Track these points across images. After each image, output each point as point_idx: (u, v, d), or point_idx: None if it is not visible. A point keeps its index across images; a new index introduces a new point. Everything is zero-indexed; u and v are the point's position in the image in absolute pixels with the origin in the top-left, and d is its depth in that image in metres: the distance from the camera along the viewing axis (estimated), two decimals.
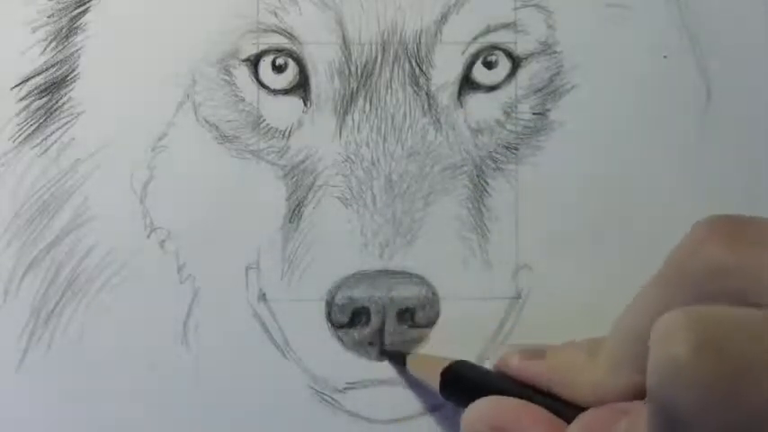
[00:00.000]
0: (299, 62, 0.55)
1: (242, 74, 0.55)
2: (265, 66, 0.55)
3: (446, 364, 0.50)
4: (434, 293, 0.53)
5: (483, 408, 0.46)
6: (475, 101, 0.55)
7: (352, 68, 0.54)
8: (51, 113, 0.54)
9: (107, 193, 0.54)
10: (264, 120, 0.55)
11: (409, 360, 0.53)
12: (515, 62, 0.55)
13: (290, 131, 0.55)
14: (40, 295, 0.54)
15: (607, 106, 0.55)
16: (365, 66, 0.54)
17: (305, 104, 0.55)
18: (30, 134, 0.54)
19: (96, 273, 0.54)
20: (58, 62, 0.55)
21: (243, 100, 0.55)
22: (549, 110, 0.55)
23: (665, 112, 0.55)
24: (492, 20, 0.55)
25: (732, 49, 0.55)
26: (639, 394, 0.41)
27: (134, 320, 0.54)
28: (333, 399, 0.54)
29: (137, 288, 0.54)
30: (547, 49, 0.55)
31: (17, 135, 0.54)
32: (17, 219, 0.54)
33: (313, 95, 0.55)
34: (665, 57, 0.55)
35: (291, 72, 0.55)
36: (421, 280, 0.53)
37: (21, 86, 0.54)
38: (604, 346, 0.44)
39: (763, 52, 0.55)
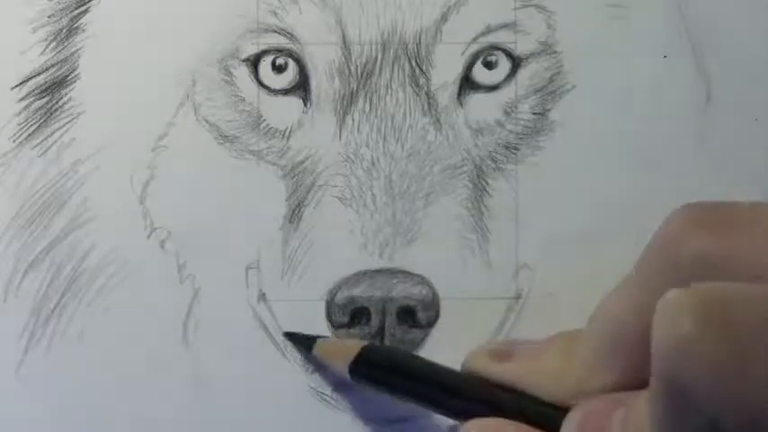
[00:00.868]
0: (299, 62, 0.55)
1: (242, 74, 0.55)
2: (265, 66, 0.55)
3: (358, 348, 0.51)
4: (434, 293, 0.53)
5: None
6: (475, 101, 0.55)
7: (352, 68, 0.54)
8: (51, 113, 0.54)
9: (107, 193, 0.54)
10: (264, 120, 0.55)
11: (317, 345, 0.53)
12: (515, 62, 0.55)
13: (290, 131, 0.55)
14: (40, 295, 0.54)
15: (607, 106, 0.55)
16: (365, 66, 0.54)
17: (305, 104, 0.55)
18: (30, 134, 0.54)
19: (96, 273, 0.54)
20: (58, 62, 0.55)
21: (243, 100, 0.55)
22: (549, 110, 0.55)
23: (665, 112, 0.55)
24: (492, 20, 0.55)
25: (732, 49, 0.55)
26: (626, 390, 0.41)
27: (134, 320, 0.54)
28: (333, 399, 0.54)
29: (137, 288, 0.54)
30: (547, 49, 0.55)
31: (17, 135, 0.54)
32: (17, 219, 0.54)
33: (313, 95, 0.55)
34: (665, 57, 0.55)
35: (291, 72, 0.55)
36: (421, 280, 0.53)
37: (21, 86, 0.54)
38: (582, 343, 0.43)
39: (763, 52, 0.55)
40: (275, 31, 0.55)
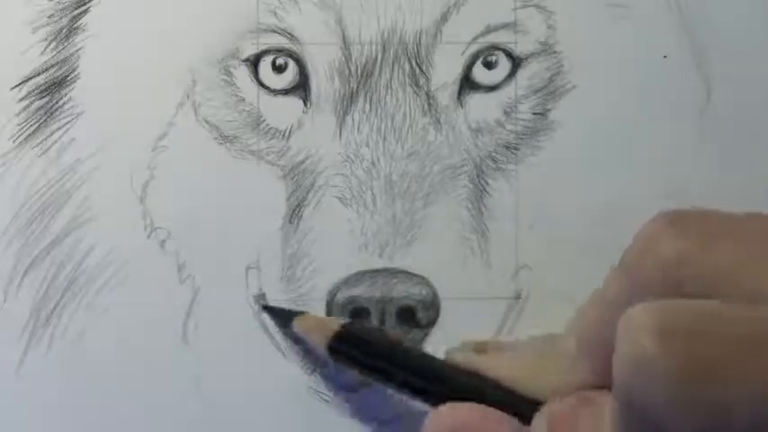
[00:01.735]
0: (299, 62, 0.55)
1: (242, 74, 0.55)
2: (265, 66, 0.55)
3: (337, 325, 0.51)
4: (434, 293, 0.53)
5: (445, 413, 0.46)
6: (475, 101, 0.55)
7: (352, 68, 0.54)
8: (51, 113, 0.55)
9: (107, 193, 0.54)
10: (264, 120, 0.55)
11: (297, 319, 0.53)
12: (515, 62, 0.55)
13: (290, 132, 0.55)
14: (40, 295, 0.54)
15: (607, 106, 0.55)
16: (365, 66, 0.54)
17: (305, 104, 0.55)
18: (30, 134, 0.54)
19: (96, 273, 0.54)
20: (58, 62, 0.55)
21: (243, 100, 0.55)
22: (549, 110, 0.55)
23: (665, 112, 0.55)
24: (492, 20, 0.55)
25: (732, 49, 0.55)
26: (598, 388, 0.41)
27: (134, 320, 0.54)
28: (333, 399, 0.54)
29: (137, 288, 0.54)
30: (547, 49, 0.55)
31: (17, 135, 0.55)
32: (17, 219, 0.54)
33: (313, 95, 0.55)
34: (665, 57, 0.55)
35: (291, 72, 0.55)
36: (421, 280, 0.53)
37: (21, 86, 0.54)
38: (560, 342, 0.44)
39: (764, 52, 0.55)
40: (275, 31, 0.55)
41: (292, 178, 0.55)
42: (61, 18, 0.55)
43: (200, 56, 0.55)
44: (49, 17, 0.55)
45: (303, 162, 0.55)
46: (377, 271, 0.53)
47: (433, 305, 0.53)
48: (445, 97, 0.55)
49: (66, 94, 0.55)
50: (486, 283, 0.54)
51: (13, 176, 0.54)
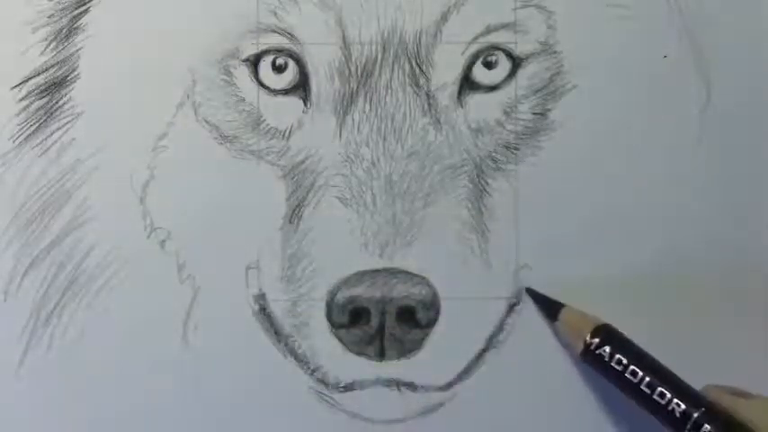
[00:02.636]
0: (299, 62, 0.55)
1: (242, 74, 0.55)
2: (265, 66, 0.55)
3: (593, 325, 0.51)
4: (434, 293, 0.53)
5: None
6: (475, 101, 0.55)
7: (352, 68, 0.54)
8: (51, 114, 0.55)
9: (107, 193, 0.54)
10: (264, 120, 0.55)
11: (563, 312, 0.53)
12: (515, 62, 0.55)
13: (290, 132, 0.55)
14: (40, 295, 0.54)
15: (607, 106, 0.55)
16: (365, 66, 0.54)
17: (305, 104, 0.55)
18: (30, 134, 0.54)
19: (96, 273, 0.54)
20: (58, 62, 0.55)
21: (243, 100, 0.55)
22: (549, 110, 0.55)
23: (665, 112, 0.55)
24: (492, 20, 0.55)
25: (732, 49, 0.55)
26: None
27: (134, 320, 0.54)
28: (333, 399, 0.54)
29: (137, 288, 0.54)
30: (547, 49, 0.55)
31: (17, 135, 0.55)
32: (17, 219, 0.54)
33: (313, 96, 0.55)
34: (665, 57, 0.55)
35: (291, 72, 0.55)
36: (421, 280, 0.53)
37: (21, 86, 0.54)
38: None
39: (763, 52, 0.55)
40: (275, 32, 0.55)
41: (292, 178, 0.55)
42: (61, 18, 0.55)
43: (200, 56, 0.55)
44: (49, 17, 0.55)
45: (303, 162, 0.55)
46: (377, 271, 0.53)
47: (433, 305, 0.53)
48: (445, 97, 0.55)
49: (66, 94, 0.55)
50: (486, 283, 0.54)
51: (13, 176, 0.54)
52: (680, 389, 0.49)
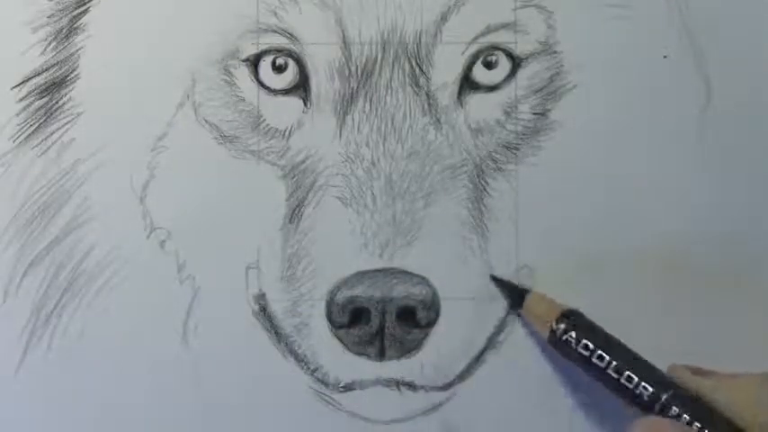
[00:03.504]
0: (299, 62, 0.55)
1: (242, 74, 0.55)
2: (265, 66, 0.55)
3: (559, 311, 0.52)
4: (434, 293, 0.53)
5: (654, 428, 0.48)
6: (475, 101, 0.55)
7: (352, 68, 0.54)
8: (51, 113, 0.55)
9: (107, 193, 0.54)
10: (264, 120, 0.55)
11: (528, 298, 0.54)
12: (515, 62, 0.55)
13: (290, 131, 0.55)
14: (40, 295, 0.54)
15: (607, 106, 0.55)
16: (365, 66, 0.54)
17: (305, 104, 0.55)
18: (30, 134, 0.54)
19: (96, 273, 0.54)
20: (58, 62, 0.55)
21: (243, 100, 0.55)
22: (549, 110, 0.55)
23: (665, 112, 0.55)
24: (492, 20, 0.55)
25: (732, 49, 0.55)
26: None
27: (134, 320, 0.54)
28: (333, 399, 0.54)
29: (137, 288, 0.54)
30: (547, 49, 0.55)
31: (17, 135, 0.55)
32: (17, 219, 0.54)
33: (313, 95, 0.55)
34: (664, 57, 0.55)
35: (291, 72, 0.55)
36: (421, 280, 0.53)
37: (21, 86, 0.54)
38: None
39: (763, 52, 0.55)
40: (275, 31, 0.55)
41: (292, 178, 0.55)
42: (61, 18, 0.55)
43: (200, 56, 0.55)
44: (48, 17, 0.55)
45: (303, 162, 0.55)
46: (377, 271, 0.53)
47: (433, 305, 0.53)
48: (445, 97, 0.55)
49: (66, 94, 0.55)
50: (486, 283, 0.54)
51: (13, 176, 0.54)
52: (647, 372, 0.50)
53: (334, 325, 0.54)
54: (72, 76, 0.55)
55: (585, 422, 0.54)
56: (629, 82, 0.55)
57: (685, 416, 0.47)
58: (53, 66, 0.55)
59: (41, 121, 0.54)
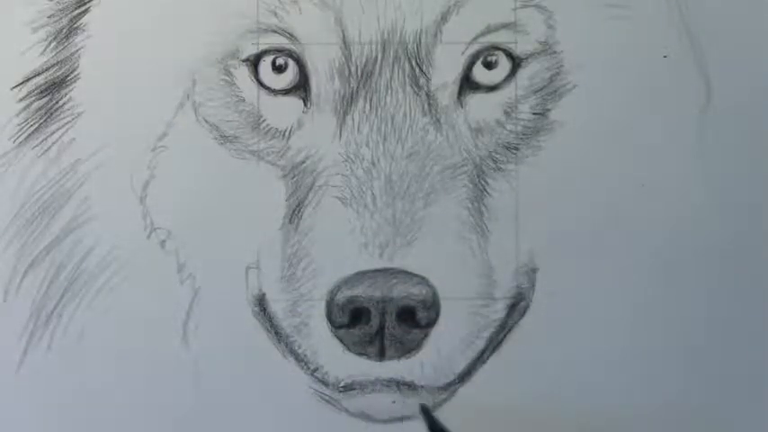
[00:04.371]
0: (299, 62, 0.55)
1: (242, 74, 0.55)
2: (265, 66, 0.55)
3: None
4: (434, 293, 0.53)
5: None
6: (475, 101, 0.55)
7: (352, 68, 0.54)
8: (51, 113, 0.55)
9: (107, 193, 0.54)
10: (264, 120, 0.55)
11: None
12: (515, 62, 0.55)
13: (290, 132, 0.55)
14: (40, 295, 0.54)
15: (607, 106, 0.55)
16: (365, 66, 0.54)
17: (305, 105, 0.55)
18: (30, 134, 0.55)
19: (96, 273, 0.54)
20: (58, 62, 0.55)
21: (243, 100, 0.55)
22: (549, 110, 0.55)
23: (665, 112, 0.55)
24: (492, 20, 0.55)
25: (732, 49, 0.55)
26: None
27: (134, 320, 0.54)
28: (333, 399, 0.54)
29: (137, 288, 0.54)
30: (547, 49, 0.55)
31: (17, 135, 0.55)
32: (17, 219, 0.54)
33: (313, 96, 0.55)
34: (664, 57, 0.55)
35: (291, 72, 0.55)
36: (421, 280, 0.53)
37: (21, 86, 0.54)
38: None
39: (763, 52, 0.55)
40: (275, 31, 0.55)
41: (292, 178, 0.55)
42: (61, 18, 0.55)
43: (201, 56, 0.55)
44: (48, 17, 0.55)
45: (303, 162, 0.55)
46: (377, 271, 0.53)
47: (433, 305, 0.53)
48: (445, 97, 0.55)
49: (66, 94, 0.55)
50: (486, 283, 0.54)
51: (13, 176, 0.54)
52: None
53: (335, 325, 0.54)
54: (72, 76, 0.55)
55: (586, 422, 0.55)
56: (629, 82, 0.55)
57: None
58: (53, 66, 0.55)
59: (41, 121, 0.54)
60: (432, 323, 0.54)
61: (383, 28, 0.54)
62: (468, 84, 0.55)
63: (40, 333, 0.54)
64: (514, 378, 0.55)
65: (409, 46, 0.54)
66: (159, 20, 0.55)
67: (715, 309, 0.55)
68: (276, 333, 0.54)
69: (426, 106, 0.54)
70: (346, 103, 0.54)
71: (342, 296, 0.53)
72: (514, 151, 0.55)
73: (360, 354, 0.54)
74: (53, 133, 0.54)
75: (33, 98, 0.54)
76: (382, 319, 0.53)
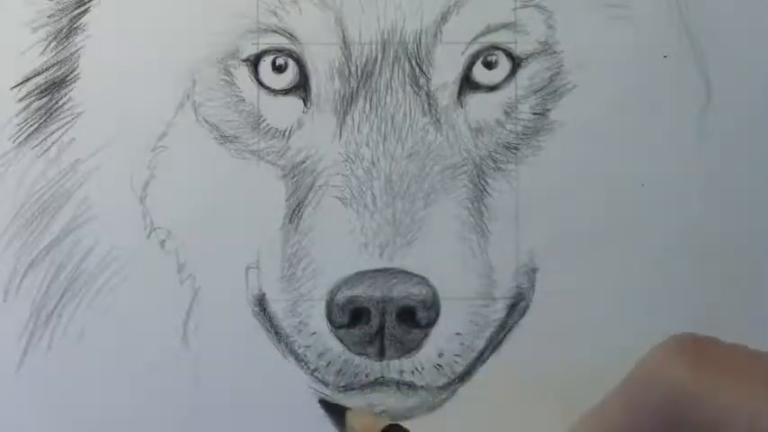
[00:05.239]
0: (299, 62, 0.55)
1: (242, 74, 0.55)
2: (265, 66, 0.55)
3: (380, 428, 0.50)
4: (434, 293, 0.53)
5: None
6: (475, 101, 0.55)
7: (352, 68, 0.54)
8: (51, 113, 0.55)
9: (107, 193, 0.54)
10: (264, 120, 0.55)
11: (349, 414, 0.53)
12: (515, 62, 0.55)
13: (290, 131, 0.55)
14: (40, 295, 0.54)
15: (607, 106, 0.55)
16: (365, 66, 0.54)
17: (305, 104, 0.55)
18: (30, 134, 0.54)
19: (96, 273, 0.54)
20: (58, 62, 0.55)
21: (243, 100, 0.55)
22: (549, 110, 0.55)
23: (665, 112, 0.55)
24: (492, 20, 0.55)
25: (732, 49, 0.55)
26: None
27: (134, 320, 0.54)
28: (333, 399, 0.54)
29: (137, 288, 0.54)
30: (547, 49, 0.55)
31: (17, 135, 0.54)
32: (17, 219, 0.54)
33: (313, 95, 0.55)
34: (665, 57, 0.55)
35: (291, 72, 0.55)
36: (421, 280, 0.53)
37: (21, 86, 0.54)
38: None
39: (763, 52, 0.55)
40: (275, 31, 0.55)
41: (292, 178, 0.55)
42: (61, 18, 0.55)
43: (201, 56, 0.55)
44: (48, 17, 0.55)
45: (303, 162, 0.55)
46: (377, 271, 0.53)
47: (433, 305, 0.53)
48: (445, 97, 0.55)
49: (66, 94, 0.55)
50: (486, 283, 0.54)
51: (13, 176, 0.54)
52: None
53: (335, 325, 0.54)
54: (72, 76, 0.55)
55: None
56: (629, 82, 0.55)
57: None
58: (53, 66, 0.55)
59: (41, 121, 0.54)
60: (432, 323, 0.54)
61: (383, 28, 0.54)
62: (468, 84, 0.55)
63: (39, 333, 0.54)
64: (514, 378, 0.55)
65: (409, 46, 0.54)
66: (159, 20, 0.55)
67: (715, 309, 0.55)
68: (276, 333, 0.54)
69: (426, 106, 0.54)
70: (346, 103, 0.54)
71: (342, 296, 0.53)
72: (514, 151, 0.55)
73: (360, 354, 0.54)
74: (53, 133, 0.54)
75: (33, 98, 0.54)
76: (382, 319, 0.53)
